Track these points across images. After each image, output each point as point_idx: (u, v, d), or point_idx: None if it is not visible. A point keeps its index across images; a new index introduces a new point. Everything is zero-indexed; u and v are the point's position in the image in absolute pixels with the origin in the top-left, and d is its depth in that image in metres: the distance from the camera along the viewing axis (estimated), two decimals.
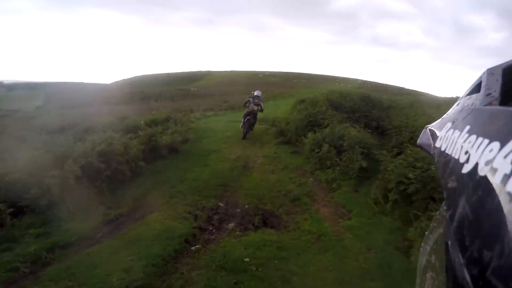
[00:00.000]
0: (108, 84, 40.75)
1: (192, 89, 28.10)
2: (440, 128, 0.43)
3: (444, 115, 0.49)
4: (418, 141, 0.56)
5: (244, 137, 7.33)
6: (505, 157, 0.22)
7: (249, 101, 7.55)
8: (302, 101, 10.25)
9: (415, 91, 28.82)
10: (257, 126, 8.11)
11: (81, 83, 42.65)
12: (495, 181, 0.22)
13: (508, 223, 0.19)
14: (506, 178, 0.21)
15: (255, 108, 7.43)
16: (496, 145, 0.24)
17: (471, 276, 0.21)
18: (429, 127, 0.53)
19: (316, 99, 9.82)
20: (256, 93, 7.83)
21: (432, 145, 0.44)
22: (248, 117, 7.33)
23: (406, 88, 31.68)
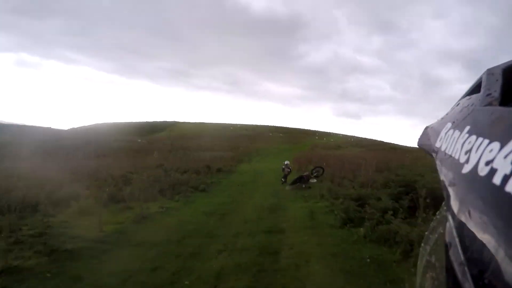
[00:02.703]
0: (65, 130, 37.96)
1: (139, 141, 22.98)
2: (440, 128, 0.43)
3: (444, 115, 0.49)
4: (418, 141, 0.56)
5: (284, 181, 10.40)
6: (505, 157, 0.22)
7: (283, 168, 10.97)
8: None
9: (397, 144, 27.60)
10: None
11: (49, 128, 37.83)
12: (495, 181, 0.22)
13: (508, 224, 0.19)
14: (506, 178, 0.21)
15: (287, 170, 10.85)
16: (496, 145, 0.24)
17: (472, 276, 0.21)
18: (429, 127, 0.53)
19: None
20: (286, 162, 11.12)
21: (432, 146, 0.44)
22: (284, 177, 10.72)
23: (386, 141, 30.97)
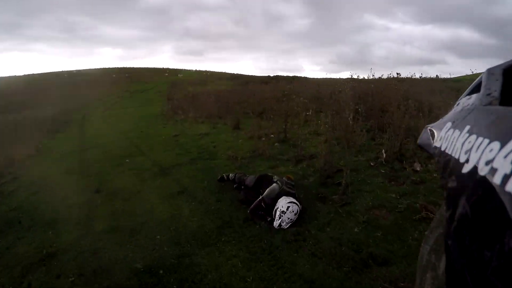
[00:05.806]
0: None
1: None
2: (440, 128, 0.43)
3: (444, 115, 0.49)
4: (418, 141, 0.56)
5: None
6: (505, 157, 0.22)
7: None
8: None
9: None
10: None
11: None
12: (495, 181, 0.22)
13: (508, 223, 0.18)
14: (506, 178, 0.20)
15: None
16: (496, 145, 0.24)
17: (472, 276, 0.21)
18: (429, 127, 0.53)
19: None
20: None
21: (432, 145, 0.44)
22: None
23: (253, 74, 28.21)
